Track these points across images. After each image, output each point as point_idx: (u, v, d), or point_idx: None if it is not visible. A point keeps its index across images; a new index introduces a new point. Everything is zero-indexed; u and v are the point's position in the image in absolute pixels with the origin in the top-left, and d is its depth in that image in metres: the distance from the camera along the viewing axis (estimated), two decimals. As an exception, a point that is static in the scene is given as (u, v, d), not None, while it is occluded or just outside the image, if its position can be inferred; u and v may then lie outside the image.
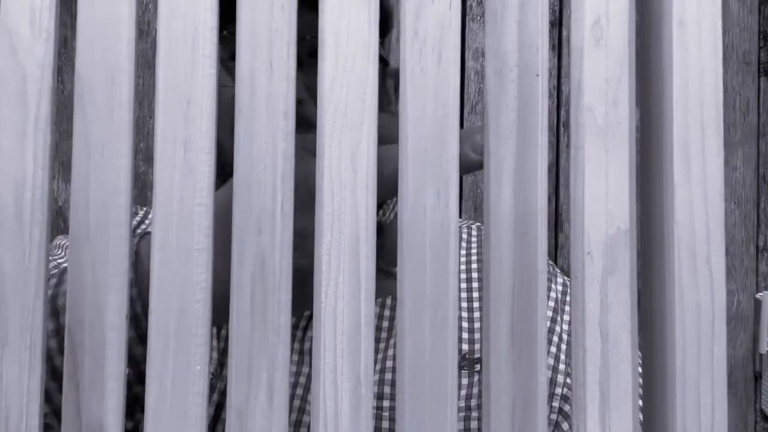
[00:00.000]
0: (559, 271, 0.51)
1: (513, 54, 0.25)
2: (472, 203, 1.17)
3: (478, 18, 1.20)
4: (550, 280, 0.49)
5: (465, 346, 0.44)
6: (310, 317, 0.46)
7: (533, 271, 0.25)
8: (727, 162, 1.18)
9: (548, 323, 0.46)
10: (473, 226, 0.53)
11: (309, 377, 0.43)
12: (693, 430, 0.23)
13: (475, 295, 0.46)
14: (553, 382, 0.44)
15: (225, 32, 0.35)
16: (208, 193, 0.25)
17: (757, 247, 1.19)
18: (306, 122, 0.37)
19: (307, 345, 0.44)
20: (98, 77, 0.26)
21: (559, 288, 0.48)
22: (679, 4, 0.24)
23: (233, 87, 0.25)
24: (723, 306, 0.24)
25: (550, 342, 0.46)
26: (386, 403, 0.42)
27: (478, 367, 0.43)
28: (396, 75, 0.48)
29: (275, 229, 0.25)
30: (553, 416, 0.44)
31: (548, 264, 0.50)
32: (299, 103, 0.41)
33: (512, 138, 0.24)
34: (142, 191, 1.12)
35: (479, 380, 0.43)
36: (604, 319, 0.24)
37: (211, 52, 0.25)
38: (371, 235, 0.25)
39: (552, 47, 1.20)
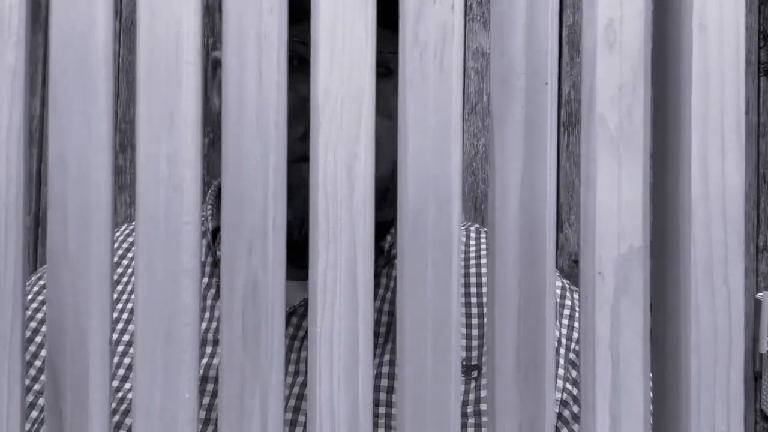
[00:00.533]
0: (557, 272, 0.49)
1: (520, 60, 0.23)
2: (471, 203, 1.16)
3: (478, 18, 1.18)
4: None
5: (462, 353, 0.43)
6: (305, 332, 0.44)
7: (541, 291, 0.23)
8: (726, 162, 1.17)
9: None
10: (471, 228, 0.51)
11: (302, 385, 0.42)
12: (708, 458, 0.22)
13: (473, 300, 0.45)
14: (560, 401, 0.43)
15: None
16: (195, 211, 0.24)
17: (757, 247, 1.18)
18: None
19: (303, 354, 0.43)
20: (74, 84, 0.24)
21: (557, 291, 0.47)
22: (700, 5, 0.22)
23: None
24: (741, 328, 0.22)
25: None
26: (382, 410, 0.41)
27: (474, 373, 0.42)
28: None
29: (267, 248, 0.24)
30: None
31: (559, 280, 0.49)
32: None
33: (519, 152, 0.23)
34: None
35: (476, 387, 0.42)
36: (615, 342, 0.23)
37: (195, 59, 0.24)
38: (369, 254, 0.24)
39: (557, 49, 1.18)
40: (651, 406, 0.23)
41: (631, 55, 0.23)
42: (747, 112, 1.17)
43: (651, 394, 0.24)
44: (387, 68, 0.38)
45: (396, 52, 0.22)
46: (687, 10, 0.22)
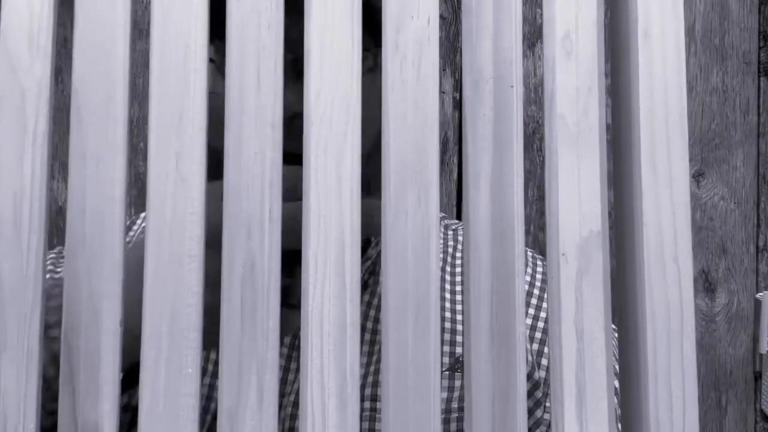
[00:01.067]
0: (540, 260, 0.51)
1: (488, 67, 0.26)
2: None
3: None
4: (541, 280, 0.50)
5: (459, 349, 0.45)
6: None
7: (511, 273, 0.26)
8: (727, 162, 1.17)
9: (543, 324, 0.47)
10: (450, 226, 0.54)
11: None
12: (665, 422, 0.24)
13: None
14: (547, 382, 0.45)
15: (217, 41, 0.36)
16: (200, 203, 0.26)
17: (757, 247, 1.19)
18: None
19: None
20: (95, 92, 0.27)
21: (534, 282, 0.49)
22: (644, 17, 0.26)
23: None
24: (691, 302, 0.25)
25: (544, 342, 0.46)
26: (367, 404, 0.42)
27: None
28: None
29: (264, 234, 0.26)
30: (548, 416, 0.45)
31: (541, 262, 0.51)
32: (297, 116, 0.42)
33: (489, 146, 0.26)
34: (141, 191, 1.13)
35: None
36: (579, 317, 0.25)
37: (201, 67, 0.27)
38: (356, 240, 0.26)
39: (521, 58, 1.22)
40: (614, 375, 0.25)
41: (585, 61, 0.26)
42: (747, 112, 1.18)
43: (616, 365, 0.26)
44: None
45: (368, 49, 0.25)
46: (633, 21, 0.26)
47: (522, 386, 0.25)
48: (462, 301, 0.47)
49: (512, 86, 0.26)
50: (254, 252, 0.26)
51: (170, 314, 0.26)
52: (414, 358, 0.25)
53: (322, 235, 0.26)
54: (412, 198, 0.26)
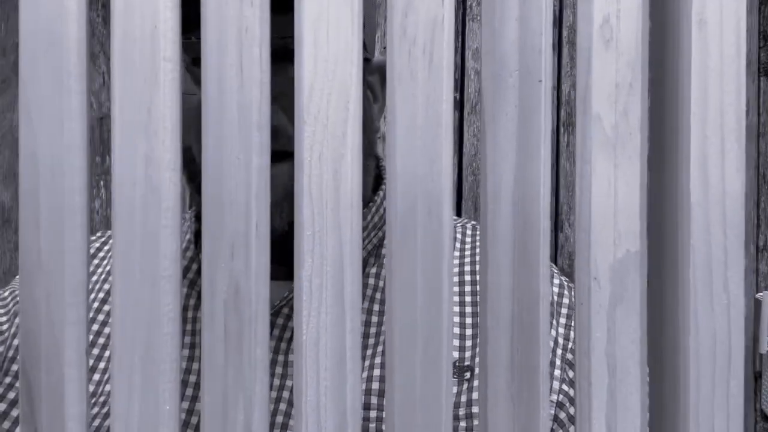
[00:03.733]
0: (556, 270, 0.48)
1: (513, 56, 0.22)
2: (472, 203, 1.16)
3: (478, 18, 1.18)
4: None
5: (455, 354, 0.42)
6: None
7: (535, 297, 0.22)
8: (726, 161, 1.16)
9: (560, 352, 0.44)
10: (468, 225, 0.50)
11: (292, 389, 0.41)
12: (706, 469, 0.21)
13: (467, 299, 0.44)
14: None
15: (192, 38, 0.32)
16: (174, 214, 0.23)
17: (757, 247, 1.18)
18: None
19: (291, 357, 0.42)
20: (45, 83, 0.23)
21: (555, 290, 0.46)
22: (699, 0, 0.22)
23: (200, 95, 0.23)
24: (741, 336, 0.22)
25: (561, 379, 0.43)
26: (373, 414, 0.40)
27: (467, 375, 0.41)
28: (380, 70, 0.45)
29: (250, 254, 0.23)
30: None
31: (567, 291, 0.48)
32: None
33: (512, 152, 0.22)
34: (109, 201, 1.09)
35: (468, 388, 0.41)
36: (611, 349, 0.22)
37: (173, 55, 0.22)
38: (357, 259, 0.23)
39: (551, 46, 1.18)
40: (648, 415, 0.22)
41: (627, 52, 0.22)
42: (747, 112, 1.17)
43: (648, 402, 0.23)
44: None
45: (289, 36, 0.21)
46: (686, 5, 0.21)
47: (545, 427, 0.22)
48: (458, 302, 0.44)
49: (541, 81, 0.22)
50: (238, 274, 0.22)
51: (144, 344, 0.23)
52: (423, 397, 0.22)
53: (317, 255, 0.22)
54: (422, 211, 0.22)
